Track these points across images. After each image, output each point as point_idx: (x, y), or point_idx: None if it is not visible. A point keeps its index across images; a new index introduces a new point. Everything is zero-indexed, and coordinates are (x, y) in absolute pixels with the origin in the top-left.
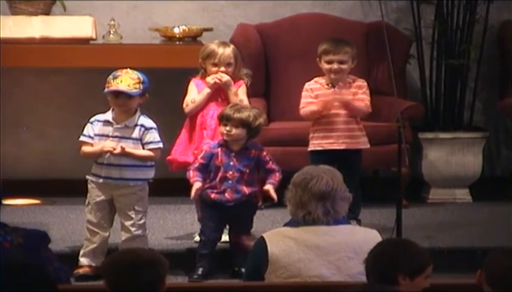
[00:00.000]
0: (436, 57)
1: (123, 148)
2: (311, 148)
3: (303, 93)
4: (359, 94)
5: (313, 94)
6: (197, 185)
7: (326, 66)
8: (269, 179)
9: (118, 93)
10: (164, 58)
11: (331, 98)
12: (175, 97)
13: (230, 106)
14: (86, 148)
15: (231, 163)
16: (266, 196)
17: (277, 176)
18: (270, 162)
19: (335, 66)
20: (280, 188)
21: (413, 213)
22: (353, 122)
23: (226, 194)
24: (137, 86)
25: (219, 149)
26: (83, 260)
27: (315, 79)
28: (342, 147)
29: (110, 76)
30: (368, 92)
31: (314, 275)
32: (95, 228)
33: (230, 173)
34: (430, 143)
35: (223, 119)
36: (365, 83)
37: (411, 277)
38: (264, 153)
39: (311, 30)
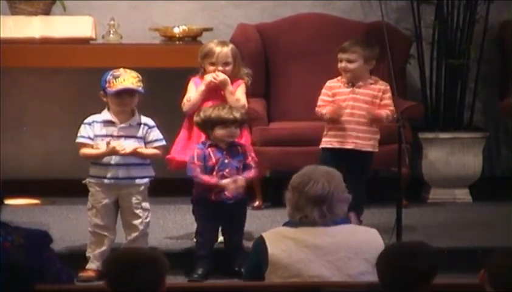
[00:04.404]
0: (436, 57)
1: (135, 148)
2: (321, 145)
3: (322, 91)
4: (385, 99)
5: (330, 92)
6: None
7: (338, 64)
8: (244, 173)
9: (121, 93)
10: (164, 58)
11: (340, 111)
12: (175, 96)
13: (226, 108)
14: (88, 150)
15: (226, 161)
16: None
17: (252, 173)
18: (250, 158)
19: (342, 64)
20: (280, 189)
21: (413, 213)
22: (366, 124)
23: (226, 192)
24: (139, 83)
25: (209, 149)
26: (93, 264)
27: (338, 77)
28: (350, 147)
29: (110, 77)
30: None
31: (314, 275)
32: (103, 231)
33: (227, 170)
34: (430, 143)
35: (227, 122)
36: (388, 87)
37: None
38: (246, 147)
39: (311, 30)
